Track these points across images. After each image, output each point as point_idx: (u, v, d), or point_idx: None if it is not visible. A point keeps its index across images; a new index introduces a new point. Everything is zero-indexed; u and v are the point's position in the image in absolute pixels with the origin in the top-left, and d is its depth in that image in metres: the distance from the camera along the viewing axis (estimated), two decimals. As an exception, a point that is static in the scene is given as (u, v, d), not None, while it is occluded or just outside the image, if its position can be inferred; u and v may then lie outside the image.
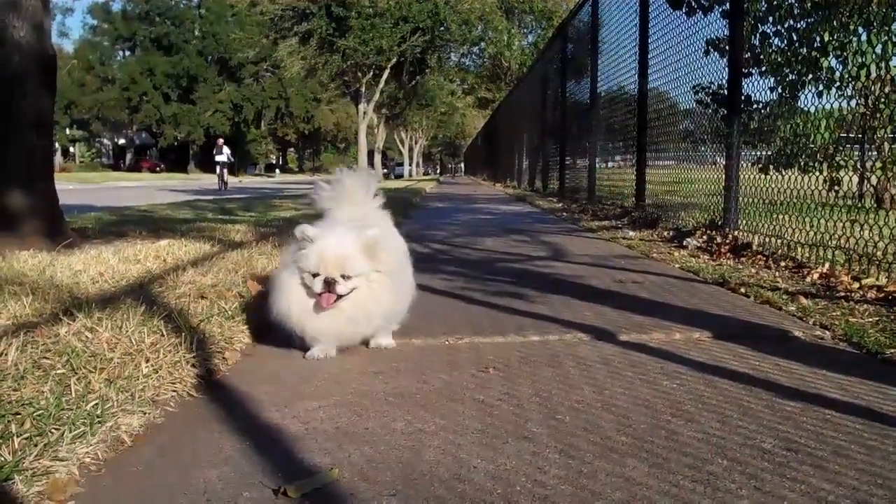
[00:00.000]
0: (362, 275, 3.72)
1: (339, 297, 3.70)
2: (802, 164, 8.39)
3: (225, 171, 41.92)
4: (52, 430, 2.56)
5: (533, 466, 2.50)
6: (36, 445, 2.41)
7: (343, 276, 3.67)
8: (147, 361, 3.41)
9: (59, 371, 3.16)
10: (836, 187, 8.07)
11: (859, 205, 7.98)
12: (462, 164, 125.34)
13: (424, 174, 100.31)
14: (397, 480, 2.34)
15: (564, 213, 15.36)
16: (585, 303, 5.37)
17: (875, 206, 7.56)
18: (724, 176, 8.78)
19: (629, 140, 13.46)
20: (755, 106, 9.21)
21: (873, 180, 7.90)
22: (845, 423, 2.90)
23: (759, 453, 2.60)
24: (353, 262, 3.67)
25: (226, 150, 42.84)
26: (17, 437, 2.43)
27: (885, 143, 7.45)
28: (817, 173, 7.97)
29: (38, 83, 7.73)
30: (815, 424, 2.89)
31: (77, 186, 36.68)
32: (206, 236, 8.81)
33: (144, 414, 2.95)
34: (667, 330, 4.50)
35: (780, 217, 7.64)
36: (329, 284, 3.66)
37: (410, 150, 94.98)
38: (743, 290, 5.74)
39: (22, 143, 7.65)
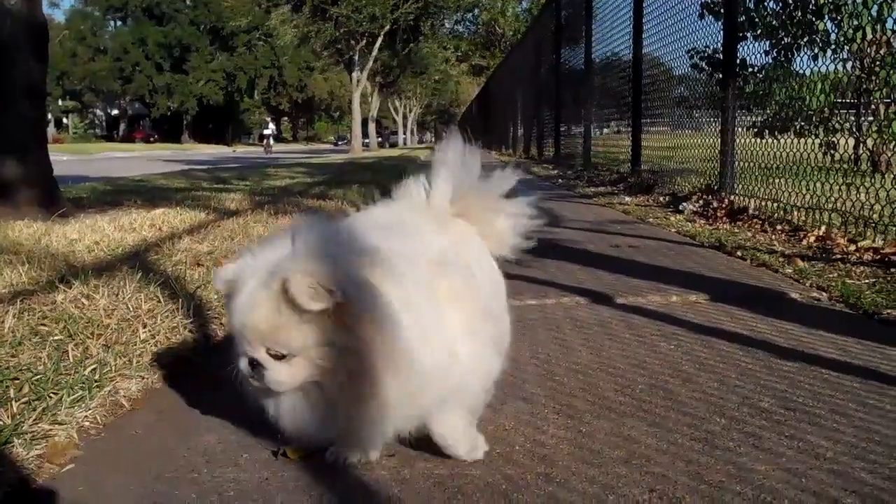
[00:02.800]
0: (309, 350, 1.90)
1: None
2: (798, 128, 8.38)
3: (271, 140, 56.36)
4: (51, 395, 2.56)
5: (531, 426, 2.50)
6: (35, 410, 2.41)
7: (272, 353, 1.92)
8: (144, 327, 3.41)
9: (56, 337, 3.16)
10: (832, 151, 8.08)
11: (855, 168, 7.99)
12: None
13: (419, 142, 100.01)
14: (394, 441, 2.34)
15: (560, 180, 15.34)
16: (582, 267, 5.37)
17: (871, 169, 7.54)
18: (719, 140, 8.75)
19: (624, 106, 13.43)
20: (750, 70, 9.19)
21: (869, 143, 7.88)
22: (843, 383, 2.91)
23: (758, 412, 2.61)
24: (283, 333, 1.89)
25: (272, 126, 58.99)
26: (16, 401, 2.43)
27: (881, 106, 7.42)
28: (813, 137, 7.97)
29: (29, 51, 7.67)
30: (813, 384, 2.90)
31: (70, 157, 36.48)
32: (202, 205, 8.79)
33: (143, 379, 2.95)
34: (664, 293, 4.50)
35: (777, 181, 7.64)
36: (254, 367, 1.96)
37: (404, 118, 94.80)
38: (739, 253, 5.75)
39: (15, 112, 7.61)
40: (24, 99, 7.68)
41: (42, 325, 3.38)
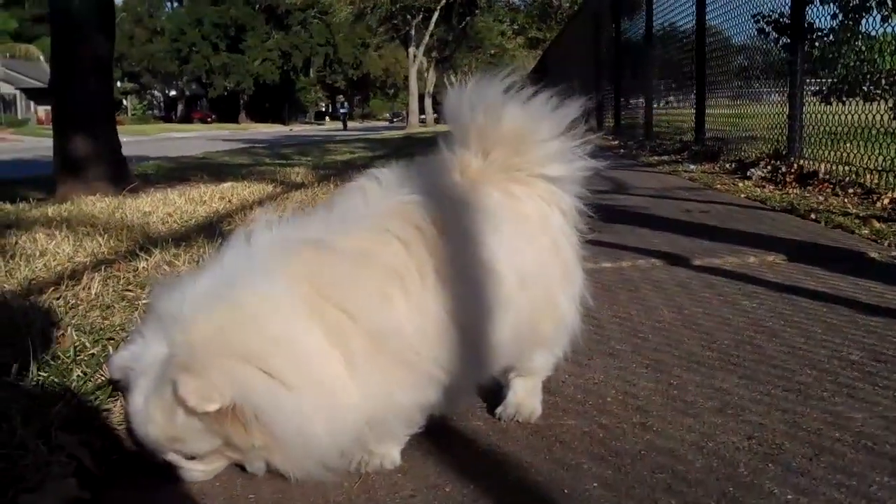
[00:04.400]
0: (216, 450, 1.86)
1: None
2: (866, 91, 8.25)
3: (346, 117, 72.62)
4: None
5: (621, 380, 2.51)
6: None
7: (181, 455, 1.87)
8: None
9: (144, 301, 3.22)
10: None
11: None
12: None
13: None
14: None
15: (622, 150, 15.23)
16: (654, 231, 5.34)
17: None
18: (787, 105, 8.63)
19: (687, 75, 13.28)
20: (818, 34, 9.05)
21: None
22: (933, 336, 2.88)
23: (848, 364, 2.59)
24: (183, 442, 1.83)
25: (346, 105, 74.60)
26: (115, 357, 2.48)
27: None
28: (881, 101, 7.84)
29: (96, 28, 7.78)
30: (902, 338, 2.87)
31: (130, 139, 36.76)
32: (268, 179, 8.88)
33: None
34: (740, 254, 4.47)
35: (845, 145, 7.52)
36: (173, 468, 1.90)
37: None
38: (813, 216, 5.68)
39: (85, 88, 7.73)
40: (93, 75, 7.79)
41: (127, 290, 3.45)
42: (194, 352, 1.74)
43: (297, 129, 65.52)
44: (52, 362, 2.40)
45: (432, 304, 1.83)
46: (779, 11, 9.50)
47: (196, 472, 1.89)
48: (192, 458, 1.86)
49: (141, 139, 36.68)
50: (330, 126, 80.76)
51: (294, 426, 1.75)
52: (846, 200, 6.37)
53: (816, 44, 9.05)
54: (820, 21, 8.94)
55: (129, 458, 2.00)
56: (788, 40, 8.95)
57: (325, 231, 1.90)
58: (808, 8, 8.62)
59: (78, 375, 2.32)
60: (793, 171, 7.87)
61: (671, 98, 16.23)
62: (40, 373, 2.30)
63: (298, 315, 1.77)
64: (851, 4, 9.18)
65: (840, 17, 9.26)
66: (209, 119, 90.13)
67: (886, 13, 8.45)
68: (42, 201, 7.12)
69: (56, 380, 2.27)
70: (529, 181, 2.14)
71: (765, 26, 9.85)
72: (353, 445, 1.88)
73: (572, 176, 2.21)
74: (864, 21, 8.87)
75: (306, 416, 1.74)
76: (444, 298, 1.84)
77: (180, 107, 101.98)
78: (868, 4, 8.98)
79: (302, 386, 1.74)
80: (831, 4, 9.17)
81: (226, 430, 1.77)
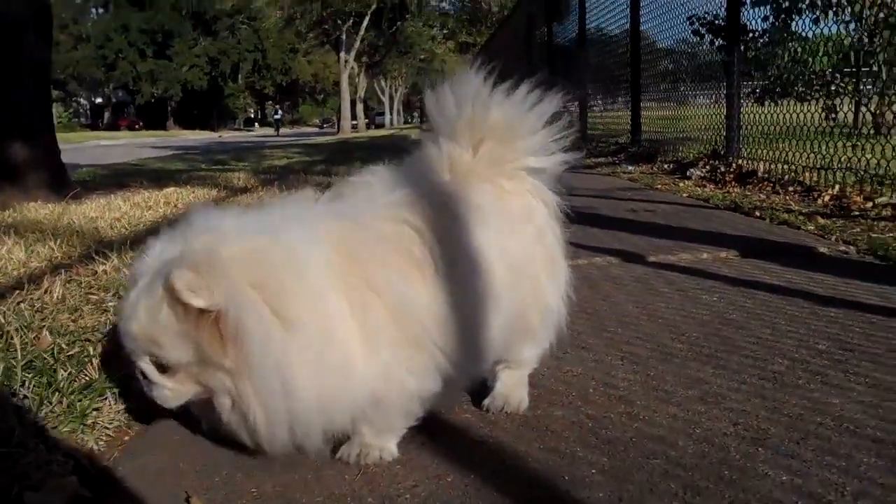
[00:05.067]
0: (190, 365, 1.81)
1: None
2: (798, 93, 8.44)
3: (279, 124, 76.89)
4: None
5: (600, 372, 2.55)
6: (112, 367, 2.43)
7: (155, 363, 1.85)
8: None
9: (111, 304, 3.19)
10: (833, 115, 8.14)
11: (856, 131, 8.05)
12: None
13: (405, 122, 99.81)
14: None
15: (558, 153, 15.29)
16: (604, 230, 5.41)
17: (873, 132, 7.58)
18: (725, 105, 8.79)
19: (622, 78, 13.45)
20: (752, 35, 9.23)
21: (871, 106, 7.95)
22: (892, 325, 2.96)
23: (817, 353, 2.66)
24: (160, 342, 1.80)
25: (280, 112, 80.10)
26: (95, 358, 2.46)
27: (883, 68, 7.47)
28: (814, 101, 8.04)
29: (35, 32, 7.65)
30: (863, 327, 2.95)
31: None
32: (210, 183, 8.81)
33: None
34: (692, 251, 4.55)
35: (782, 145, 7.69)
36: (144, 377, 1.90)
37: (391, 99, 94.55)
38: (758, 213, 5.79)
39: (22, 92, 7.59)
40: (31, 79, 7.66)
41: (91, 293, 3.41)
42: (204, 257, 1.73)
43: (227, 135, 64.99)
44: (35, 363, 2.37)
45: (440, 292, 1.86)
46: (713, 13, 9.68)
47: (165, 390, 1.85)
48: (164, 370, 1.83)
49: (68, 147, 35.82)
50: (260, 132, 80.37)
51: (273, 361, 1.71)
52: (787, 198, 6.51)
53: (750, 45, 9.22)
54: (754, 23, 9.13)
55: (127, 458, 1.99)
56: (724, 42, 9.11)
57: (353, 210, 1.93)
58: (742, 10, 8.79)
59: (62, 376, 2.30)
60: (732, 170, 8.02)
61: (606, 100, 16.39)
62: (25, 373, 2.27)
63: (326, 273, 1.78)
64: (783, 6, 9.38)
65: (771, 18, 9.47)
66: (137, 126, 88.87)
67: (817, 15, 8.65)
68: (-21, 209, 6.99)
69: (42, 380, 2.25)
70: (517, 175, 2.19)
71: (700, 28, 10.01)
72: (343, 424, 1.86)
73: (553, 169, 2.27)
74: (795, 22, 9.07)
75: (292, 359, 1.71)
76: (447, 288, 1.86)
77: (107, 114, 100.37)
78: (799, 6, 9.18)
79: (301, 330, 1.72)
80: (765, 7, 9.38)
81: (201, 337, 1.73)
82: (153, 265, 1.82)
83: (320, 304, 1.76)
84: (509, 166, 2.20)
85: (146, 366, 1.84)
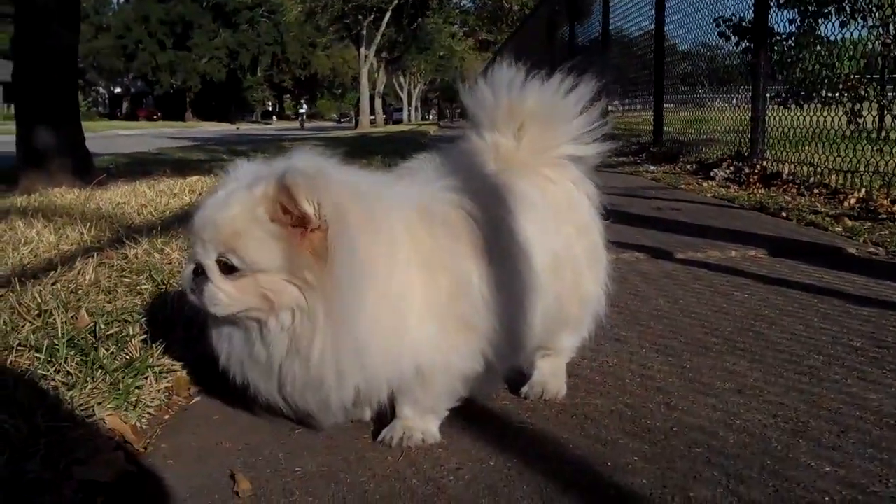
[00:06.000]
0: (272, 272, 1.75)
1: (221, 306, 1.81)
2: (823, 97, 8.43)
3: (304, 117, 73.72)
4: (164, 335, 2.59)
5: (636, 363, 2.56)
6: (151, 347, 2.44)
7: (222, 262, 1.78)
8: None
9: (144, 286, 3.21)
10: (858, 119, 8.13)
11: (882, 136, 8.04)
12: (460, 110, 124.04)
13: (422, 119, 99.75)
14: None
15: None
16: (631, 227, 5.39)
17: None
18: (750, 107, 8.76)
19: (645, 78, 13.43)
20: (778, 38, 9.21)
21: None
22: (926, 325, 2.96)
23: (852, 350, 2.65)
24: (245, 240, 1.76)
25: (305, 106, 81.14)
26: (134, 338, 2.47)
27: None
28: (839, 105, 8.03)
29: (61, 21, 7.70)
30: (897, 326, 2.95)
31: (78, 134, 36.34)
32: (233, 173, 8.80)
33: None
34: (721, 248, 4.54)
35: (807, 147, 7.67)
36: (197, 276, 1.83)
37: (409, 95, 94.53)
38: (784, 214, 5.78)
39: (49, 80, 7.65)
40: (57, 67, 7.72)
41: (123, 276, 3.43)
42: (316, 172, 1.77)
43: (245, 127, 64.99)
44: (76, 341, 2.39)
45: (490, 277, 1.88)
46: (739, 16, 9.65)
47: (221, 293, 1.77)
48: (229, 271, 1.76)
49: (88, 136, 35.97)
50: (278, 125, 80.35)
51: (357, 289, 1.72)
52: (813, 200, 6.50)
53: (775, 48, 9.20)
54: (780, 26, 9.12)
55: (169, 435, 2.00)
56: (751, 44, 9.08)
57: (412, 191, 1.96)
58: (770, 12, 8.76)
59: (104, 354, 2.31)
60: (756, 171, 8.00)
61: (627, 100, 16.35)
62: (67, 351, 2.29)
63: (405, 238, 1.82)
64: (810, 10, 9.37)
65: (798, 21, 9.46)
66: (155, 117, 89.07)
67: (845, 18, 8.63)
68: (5, 193, 7.04)
69: (86, 358, 2.26)
70: (560, 164, 2.21)
71: (726, 30, 9.98)
72: (380, 390, 1.87)
73: (591, 159, 2.29)
74: (822, 26, 9.06)
75: (370, 298, 1.74)
76: (496, 273, 1.89)
77: (125, 104, 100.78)
78: (826, 10, 9.16)
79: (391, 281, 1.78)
80: (791, 10, 9.38)
81: (294, 245, 1.72)
82: (246, 174, 1.84)
83: (399, 263, 1.79)
84: (551, 153, 2.24)
85: (210, 262, 1.78)
